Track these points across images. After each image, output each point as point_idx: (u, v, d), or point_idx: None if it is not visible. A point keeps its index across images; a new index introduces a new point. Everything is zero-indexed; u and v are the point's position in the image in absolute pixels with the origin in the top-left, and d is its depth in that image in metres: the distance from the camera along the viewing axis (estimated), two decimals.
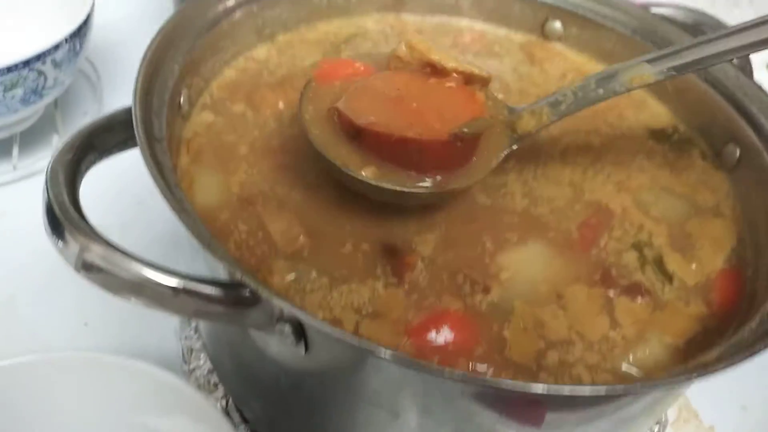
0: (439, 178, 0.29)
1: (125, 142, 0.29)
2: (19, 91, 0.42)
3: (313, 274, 0.28)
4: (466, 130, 0.30)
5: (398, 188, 0.29)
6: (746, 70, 0.36)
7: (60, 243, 0.24)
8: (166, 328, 0.40)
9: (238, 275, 0.22)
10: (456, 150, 0.30)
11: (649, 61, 0.31)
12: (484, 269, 0.29)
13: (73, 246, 0.23)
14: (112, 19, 0.60)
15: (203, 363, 0.36)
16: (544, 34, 0.42)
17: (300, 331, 0.23)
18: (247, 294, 0.23)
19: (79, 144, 0.27)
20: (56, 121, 0.51)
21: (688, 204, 0.34)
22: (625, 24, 0.40)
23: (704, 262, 0.31)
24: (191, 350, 0.38)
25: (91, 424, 0.30)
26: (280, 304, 0.22)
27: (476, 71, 0.33)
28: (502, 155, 0.31)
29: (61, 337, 0.40)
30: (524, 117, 0.32)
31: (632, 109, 0.39)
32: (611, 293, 0.29)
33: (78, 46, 0.45)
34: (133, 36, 0.60)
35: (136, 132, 0.26)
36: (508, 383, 0.21)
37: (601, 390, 0.22)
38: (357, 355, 0.23)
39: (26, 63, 0.41)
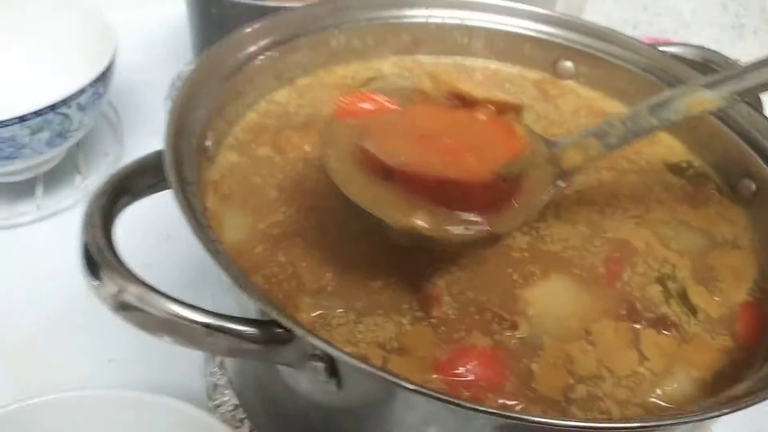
0: (480, 219, 0.27)
1: (156, 185, 0.30)
2: (45, 134, 0.43)
3: (339, 309, 0.28)
4: (511, 169, 0.28)
5: (450, 233, 0.27)
6: (757, 107, 0.37)
7: (97, 284, 0.24)
8: (190, 365, 0.40)
9: (273, 314, 0.22)
10: (500, 190, 0.28)
11: (706, 86, 0.29)
12: (511, 306, 0.29)
13: (110, 287, 0.24)
14: (131, 62, 0.61)
15: (228, 399, 0.36)
16: (557, 72, 0.43)
17: (332, 368, 0.24)
18: (280, 332, 0.24)
19: (113, 188, 0.27)
20: (78, 162, 0.52)
21: (708, 237, 0.34)
22: (635, 62, 0.41)
23: (727, 294, 0.31)
24: (216, 386, 0.38)
25: None
26: (314, 342, 0.22)
27: (509, 99, 0.32)
28: (549, 194, 0.30)
29: (85, 375, 0.40)
30: (569, 151, 0.31)
31: (647, 144, 0.39)
32: (638, 327, 0.29)
33: (101, 90, 0.47)
34: (152, 79, 0.63)
35: (167, 176, 0.27)
36: (542, 418, 0.21)
37: (634, 423, 0.22)
38: (390, 391, 0.23)
39: (52, 107, 0.42)
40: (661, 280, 0.31)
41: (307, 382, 0.26)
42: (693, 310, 0.30)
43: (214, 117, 0.34)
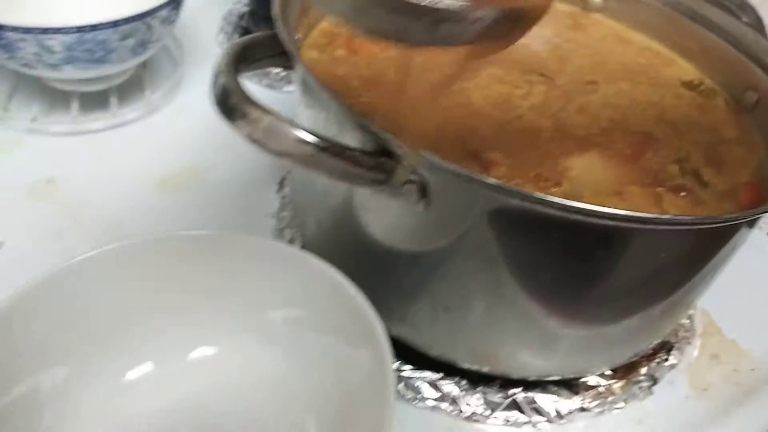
0: None
1: (263, 59, 0.35)
2: (131, 42, 0.49)
3: None
4: None
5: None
6: (759, 28, 0.43)
7: (236, 118, 0.29)
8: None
9: (390, 140, 0.28)
10: None
11: None
12: (554, 169, 0.35)
13: (246, 121, 0.29)
14: None
15: None
16: (586, 6, 0.50)
17: (424, 190, 0.29)
18: (385, 160, 0.29)
19: (235, 51, 0.33)
20: (144, 81, 0.57)
21: (716, 134, 0.41)
22: None
23: (732, 175, 0.38)
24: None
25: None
26: (427, 158, 0.27)
27: None
28: None
29: None
30: None
31: (664, 66, 0.46)
32: (660, 190, 0.35)
33: (176, 10, 0.52)
34: (206, 14, 0.68)
35: (284, 42, 0.32)
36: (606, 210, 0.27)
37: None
38: (477, 204, 0.29)
39: (141, 16, 0.47)
40: (678, 161, 0.38)
41: (394, 210, 0.32)
42: (704, 184, 0.37)
43: (302, 15, 0.40)
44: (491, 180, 0.26)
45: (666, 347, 0.43)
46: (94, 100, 0.55)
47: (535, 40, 0.47)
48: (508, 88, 0.42)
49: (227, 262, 0.36)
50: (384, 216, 0.33)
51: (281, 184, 0.51)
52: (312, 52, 0.41)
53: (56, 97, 0.55)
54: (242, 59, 0.34)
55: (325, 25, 0.44)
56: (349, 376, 0.33)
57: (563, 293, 0.33)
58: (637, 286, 0.33)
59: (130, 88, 0.57)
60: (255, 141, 0.30)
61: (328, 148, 0.29)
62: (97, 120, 0.54)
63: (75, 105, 0.53)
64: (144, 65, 0.58)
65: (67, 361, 0.33)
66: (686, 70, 0.46)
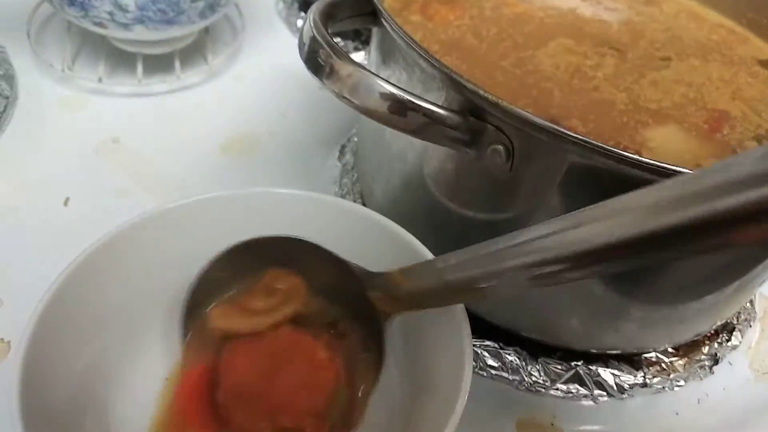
0: None
1: (348, 18, 0.35)
2: (201, 4, 0.49)
3: None
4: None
5: None
6: None
7: (326, 74, 0.30)
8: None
9: (484, 94, 0.28)
10: None
11: None
12: (633, 139, 0.35)
13: (336, 76, 0.29)
14: None
15: None
16: None
17: (510, 150, 0.29)
18: (474, 120, 0.29)
19: (323, 9, 0.33)
20: (206, 46, 0.58)
21: None
22: None
23: None
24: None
25: None
26: (518, 114, 0.27)
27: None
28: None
29: None
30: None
31: (739, 44, 0.45)
32: None
33: None
34: None
35: (374, 2, 0.33)
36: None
37: None
38: (563, 164, 0.29)
39: None
40: (757, 138, 0.37)
41: (473, 172, 0.32)
42: None
43: None
44: (589, 140, 0.26)
45: (728, 328, 0.43)
46: (158, 63, 0.56)
47: (607, 12, 0.46)
48: (578, 59, 0.41)
49: (304, 222, 0.36)
50: (460, 179, 0.34)
51: (342, 151, 0.51)
52: None
53: (121, 59, 0.56)
54: (329, 16, 0.34)
55: None
56: (422, 344, 0.33)
57: (637, 273, 0.32)
58: (711, 268, 0.33)
59: (192, 52, 0.58)
60: (343, 96, 0.30)
61: (417, 105, 0.29)
62: (162, 82, 0.54)
63: (139, 67, 0.54)
64: (206, 31, 0.58)
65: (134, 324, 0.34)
66: (762, 48, 0.45)
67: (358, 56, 0.61)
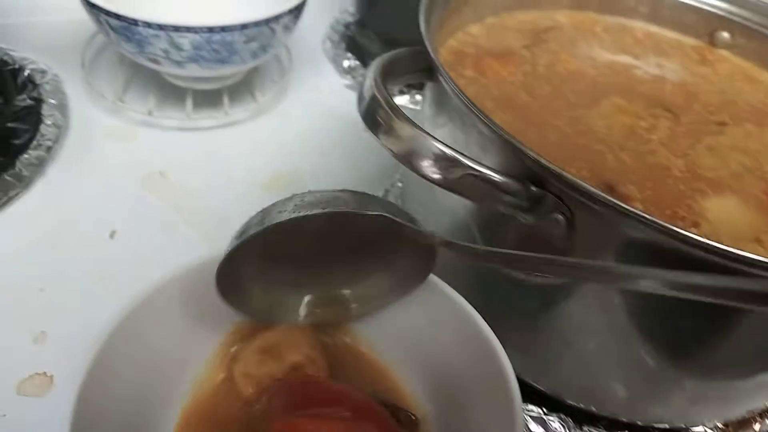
0: None
1: (406, 74, 0.35)
2: (254, 45, 0.50)
3: None
4: None
5: None
6: None
7: (385, 133, 0.30)
8: None
9: (548, 165, 0.28)
10: None
11: None
12: (690, 208, 0.34)
13: (395, 136, 0.29)
14: None
15: None
16: (713, 41, 0.48)
17: (571, 221, 0.29)
18: (534, 190, 0.29)
19: (383, 66, 0.33)
20: (254, 83, 0.59)
21: None
22: None
23: None
24: None
25: None
26: (579, 186, 0.27)
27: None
28: None
29: None
30: None
31: None
32: None
33: (296, 16, 0.53)
34: (313, 23, 0.69)
35: (434, 63, 0.33)
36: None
37: None
38: (621, 238, 0.28)
39: (267, 21, 0.48)
40: None
41: (531, 236, 0.32)
42: None
43: (434, 33, 0.40)
44: (651, 217, 0.26)
45: None
46: (207, 98, 0.57)
47: (660, 71, 0.46)
48: (632, 119, 0.41)
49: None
50: (514, 242, 0.33)
51: (385, 195, 0.51)
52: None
53: (170, 92, 0.57)
54: (389, 73, 0.34)
55: (453, 43, 0.44)
56: (469, 410, 0.32)
57: (691, 346, 0.31)
58: None
59: (241, 89, 0.58)
60: (399, 157, 0.30)
61: (477, 171, 0.29)
62: (210, 118, 0.55)
63: (189, 101, 0.55)
64: (255, 68, 0.59)
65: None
66: None
67: (402, 99, 0.61)
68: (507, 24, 0.47)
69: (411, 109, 0.60)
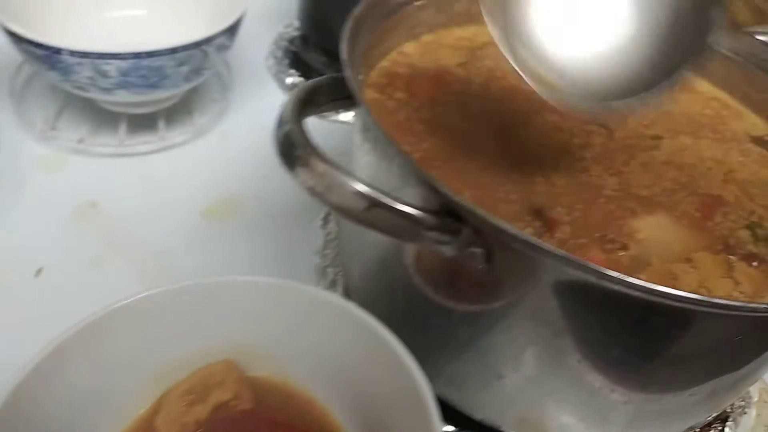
0: None
1: (327, 103, 0.34)
2: (185, 68, 0.48)
3: None
4: None
5: None
6: None
7: (298, 169, 0.28)
8: (302, 281, 0.45)
9: (459, 201, 0.27)
10: None
11: None
12: (620, 230, 0.34)
13: (308, 172, 0.28)
14: None
15: None
16: None
17: (489, 254, 0.28)
18: (451, 221, 0.28)
19: (301, 97, 0.32)
20: (193, 104, 0.57)
21: None
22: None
23: None
24: None
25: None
26: (494, 224, 0.26)
27: None
28: None
29: None
30: None
31: (733, 119, 0.44)
32: (732, 258, 0.33)
33: (231, 37, 0.52)
34: (256, 38, 0.68)
35: (354, 93, 0.31)
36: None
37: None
38: (539, 274, 0.27)
39: (197, 44, 0.47)
40: (749, 227, 0.36)
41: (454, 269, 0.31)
42: None
43: (365, 56, 0.39)
44: (563, 252, 0.25)
45: (721, 417, 0.41)
46: (142, 122, 0.55)
47: None
48: (566, 137, 0.40)
49: (264, 310, 0.35)
50: (438, 273, 0.32)
51: (326, 218, 0.50)
52: (371, 92, 0.40)
53: (104, 118, 0.55)
54: (307, 103, 0.33)
55: (384, 64, 0.43)
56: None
57: (625, 369, 0.31)
58: (706, 364, 0.31)
59: (178, 110, 0.57)
60: (316, 194, 0.29)
61: (389, 205, 0.28)
62: (145, 143, 0.54)
63: (123, 127, 0.53)
64: (194, 88, 0.58)
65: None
66: (756, 124, 0.44)
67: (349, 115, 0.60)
68: (444, 41, 0.46)
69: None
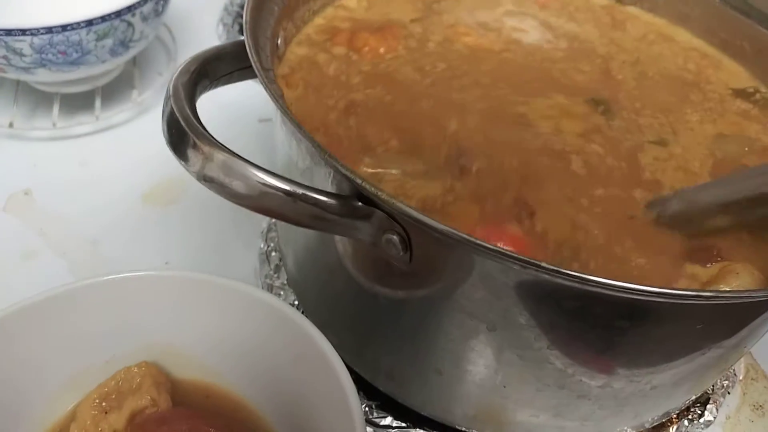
0: None
1: (232, 73, 0.30)
2: (109, 42, 0.44)
3: (394, 171, 0.29)
4: None
5: None
6: None
7: (187, 152, 0.25)
8: (245, 268, 0.42)
9: (363, 184, 0.23)
10: None
11: None
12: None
13: (197, 155, 0.25)
14: None
15: (284, 299, 0.37)
16: None
17: (406, 241, 0.24)
18: (360, 206, 0.24)
19: (195, 68, 0.28)
20: (134, 78, 0.53)
21: None
22: None
23: None
24: (271, 287, 0.39)
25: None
26: (402, 209, 0.22)
27: None
28: None
29: None
30: None
31: (712, 69, 0.39)
32: None
33: (162, 4, 0.47)
34: (205, 3, 0.63)
35: (250, 57, 0.27)
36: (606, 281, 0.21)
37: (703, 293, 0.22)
38: (467, 262, 0.24)
39: (118, 13, 0.43)
40: None
41: (375, 264, 0.27)
42: None
43: (284, 17, 0.35)
44: (478, 240, 0.21)
45: (700, 399, 0.37)
46: (78, 102, 0.51)
47: (572, 44, 0.40)
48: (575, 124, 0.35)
49: (188, 307, 0.32)
50: (363, 263, 0.29)
51: None
52: (301, 49, 0.36)
53: (39, 99, 0.51)
54: (204, 75, 0.29)
55: (320, 21, 0.39)
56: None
57: (574, 360, 0.27)
58: (666, 352, 0.27)
59: (118, 86, 0.53)
60: (206, 180, 0.25)
61: (293, 192, 0.24)
62: (80, 124, 0.50)
63: (56, 108, 0.49)
64: (134, 61, 0.54)
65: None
66: (737, 73, 0.39)
67: None
68: None
69: None
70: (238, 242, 0.44)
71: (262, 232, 0.44)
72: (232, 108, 0.52)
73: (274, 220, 0.44)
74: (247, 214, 0.45)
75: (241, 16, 0.61)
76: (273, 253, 0.42)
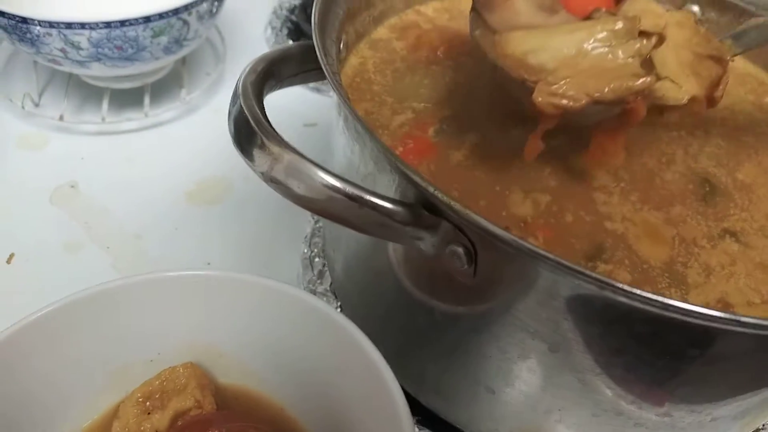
0: None
1: (297, 75, 0.30)
2: (164, 39, 0.44)
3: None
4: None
5: None
6: None
7: (254, 152, 0.25)
8: (287, 272, 0.42)
9: (435, 192, 0.22)
10: None
11: None
12: None
13: (265, 156, 0.24)
14: None
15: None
16: None
17: (472, 254, 0.24)
18: (427, 215, 0.24)
19: (263, 68, 0.28)
20: (183, 77, 0.53)
21: None
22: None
23: None
24: (314, 293, 0.39)
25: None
26: (471, 219, 0.22)
27: None
28: None
29: None
30: None
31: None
32: None
33: (217, 4, 0.47)
34: (253, 8, 0.63)
35: (320, 59, 0.27)
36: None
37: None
38: (541, 281, 0.23)
39: (176, 11, 0.43)
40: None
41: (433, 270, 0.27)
42: None
43: (348, 20, 0.34)
44: (553, 256, 0.21)
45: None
46: (127, 98, 0.51)
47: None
48: None
49: (234, 308, 0.31)
50: (419, 273, 0.28)
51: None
52: (366, 50, 0.36)
53: (89, 93, 0.52)
54: (271, 75, 0.29)
55: (382, 30, 0.38)
56: None
57: (637, 389, 0.26)
58: (734, 384, 0.26)
59: (167, 85, 0.53)
60: (273, 181, 0.25)
61: (360, 197, 0.24)
62: (129, 120, 0.50)
63: (105, 103, 0.50)
64: (183, 61, 0.54)
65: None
66: None
67: None
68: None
69: None
70: (280, 246, 0.44)
71: (305, 237, 0.43)
72: (277, 112, 0.52)
73: (318, 225, 0.43)
74: (290, 218, 0.45)
75: (290, 21, 0.62)
76: (317, 259, 0.41)
